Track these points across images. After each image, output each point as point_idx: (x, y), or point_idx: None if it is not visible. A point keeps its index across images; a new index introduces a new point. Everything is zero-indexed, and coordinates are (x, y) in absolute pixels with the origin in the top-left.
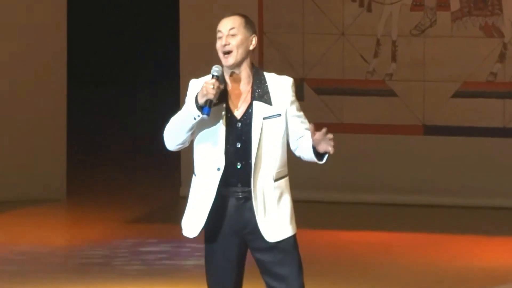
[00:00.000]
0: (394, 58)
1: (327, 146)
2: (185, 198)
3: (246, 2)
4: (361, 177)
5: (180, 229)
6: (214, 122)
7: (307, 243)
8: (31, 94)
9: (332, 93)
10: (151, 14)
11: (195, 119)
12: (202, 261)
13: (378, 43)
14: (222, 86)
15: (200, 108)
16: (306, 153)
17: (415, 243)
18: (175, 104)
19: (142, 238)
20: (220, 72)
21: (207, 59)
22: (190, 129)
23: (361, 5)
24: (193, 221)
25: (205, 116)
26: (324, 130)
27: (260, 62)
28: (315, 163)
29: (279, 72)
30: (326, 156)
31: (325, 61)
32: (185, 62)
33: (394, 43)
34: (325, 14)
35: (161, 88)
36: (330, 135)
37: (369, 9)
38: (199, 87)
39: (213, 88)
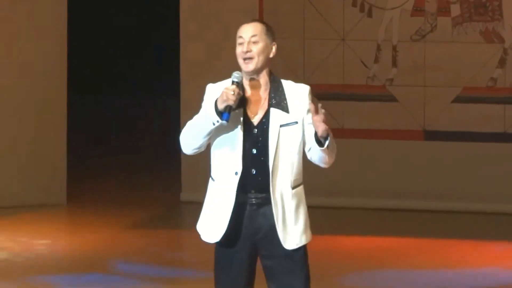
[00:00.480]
0: (394, 63)
1: (322, 126)
2: (186, 203)
3: (247, 7)
4: (362, 183)
5: (194, 233)
6: (232, 127)
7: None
8: (31, 98)
9: (332, 98)
10: (152, 16)
11: (214, 124)
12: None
13: (378, 48)
14: (241, 93)
15: (220, 113)
16: (314, 150)
17: (416, 248)
18: (176, 108)
19: (145, 243)
20: (241, 79)
21: (207, 61)
22: (208, 134)
23: (362, 10)
24: (213, 226)
25: (224, 122)
26: (319, 106)
27: None
28: (320, 167)
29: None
30: (327, 142)
31: (326, 66)
32: (185, 66)
33: (394, 48)
34: (326, 19)
35: (161, 92)
36: (323, 110)
37: (370, 15)
38: (216, 92)
39: (234, 94)
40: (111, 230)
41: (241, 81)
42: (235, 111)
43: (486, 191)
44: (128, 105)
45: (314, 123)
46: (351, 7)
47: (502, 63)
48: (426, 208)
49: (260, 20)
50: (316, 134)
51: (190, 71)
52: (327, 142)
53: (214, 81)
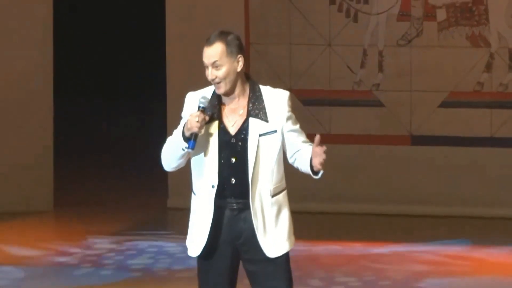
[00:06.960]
0: (381, 68)
1: (318, 161)
2: (172, 210)
3: (232, 13)
4: (348, 188)
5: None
6: (208, 138)
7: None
8: (17, 104)
9: (319, 104)
10: (138, 23)
11: (183, 150)
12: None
13: (364, 53)
14: (207, 118)
15: (187, 139)
16: (303, 165)
17: (403, 253)
18: (163, 115)
19: (130, 250)
20: (207, 104)
21: (194, 67)
22: (181, 157)
23: (348, 15)
24: (195, 240)
25: (189, 150)
26: (317, 138)
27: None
28: (309, 175)
29: (266, 83)
30: (321, 173)
31: (312, 72)
32: (171, 70)
33: (380, 53)
34: (312, 24)
35: (148, 99)
36: (323, 148)
37: (356, 20)
38: (196, 101)
39: (198, 121)
40: (98, 236)
41: (207, 106)
42: (211, 122)
43: (473, 195)
44: (115, 113)
45: (313, 153)
46: (337, 13)
47: (488, 67)
48: (413, 213)
49: (221, 36)
50: (311, 160)
51: (176, 75)
52: (321, 173)
53: (201, 86)
